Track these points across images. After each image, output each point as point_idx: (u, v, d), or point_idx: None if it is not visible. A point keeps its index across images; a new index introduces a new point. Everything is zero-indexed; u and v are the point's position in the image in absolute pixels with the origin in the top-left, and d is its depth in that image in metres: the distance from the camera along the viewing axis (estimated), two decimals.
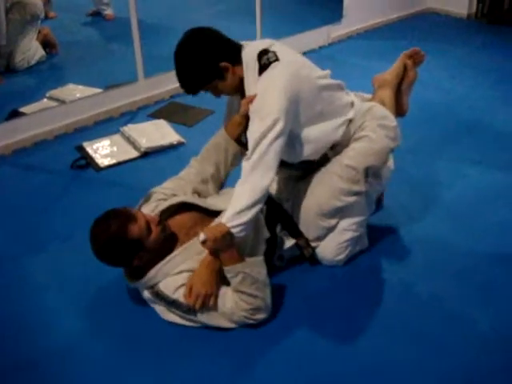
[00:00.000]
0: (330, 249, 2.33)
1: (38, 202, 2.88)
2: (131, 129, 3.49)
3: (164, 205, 2.21)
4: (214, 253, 1.99)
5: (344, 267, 2.37)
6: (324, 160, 2.29)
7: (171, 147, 3.38)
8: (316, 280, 2.32)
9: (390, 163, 2.42)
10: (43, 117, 3.51)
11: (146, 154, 3.30)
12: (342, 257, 2.35)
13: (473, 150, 3.33)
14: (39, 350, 2.02)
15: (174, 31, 4.83)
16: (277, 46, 2.11)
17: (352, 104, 2.27)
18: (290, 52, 2.15)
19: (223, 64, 2.04)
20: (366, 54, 4.91)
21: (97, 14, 4.69)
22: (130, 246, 1.98)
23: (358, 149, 2.23)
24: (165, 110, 3.87)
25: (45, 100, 3.69)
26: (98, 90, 3.81)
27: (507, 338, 2.04)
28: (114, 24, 4.62)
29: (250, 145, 2.00)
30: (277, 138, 1.96)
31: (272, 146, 1.96)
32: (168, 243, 2.10)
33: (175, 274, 2.04)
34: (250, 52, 2.08)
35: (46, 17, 4.32)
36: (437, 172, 3.08)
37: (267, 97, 2.00)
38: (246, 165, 2.00)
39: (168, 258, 2.05)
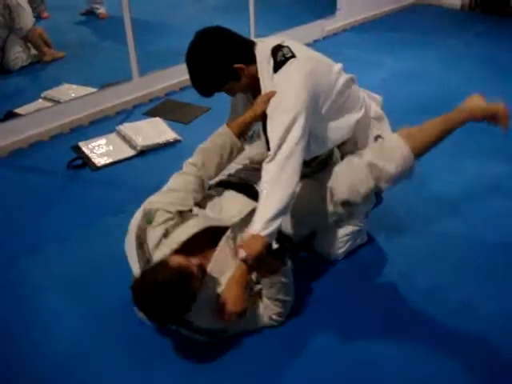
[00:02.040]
0: (330, 243, 2.33)
1: (35, 202, 2.88)
2: (127, 127, 3.48)
3: (182, 234, 1.94)
4: (251, 267, 1.88)
5: (344, 261, 2.38)
6: (328, 158, 2.26)
7: (168, 145, 3.37)
8: (316, 273, 2.33)
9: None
10: (39, 117, 3.50)
11: (143, 153, 3.30)
12: (341, 251, 2.35)
13: (470, 142, 3.32)
14: (40, 350, 2.02)
15: (167, 28, 4.87)
16: (289, 42, 2.07)
17: (363, 100, 2.23)
18: (303, 47, 2.12)
19: (237, 66, 2.00)
20: (361, 47, 4.91)
21: (90, 13, 4.68)
22: (190, 302, 1.81)
23: (343, 175, 2.15)
24: (160, 108, 3.86)
25: (40, 100, 3.68)
26: (93, 90, 3.80)
27: (510, 327, 2.05)
28: (107, 23, 4.61)
29: (273, 144, 1.90)
30: (301, 135, 1.90)
31: (298, 144, 1.89)
32: None
33: (207, 306, 1.91)
34: (263, 49, 2.04)
35: (40, 17, 4.31)
36: (433, 164, 3.07)
37: (287, 93, 1.94)
38: (271, 166, 1.90)
39: (201, 295, 1.86)
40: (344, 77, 2.13)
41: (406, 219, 2.64)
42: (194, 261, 1.83)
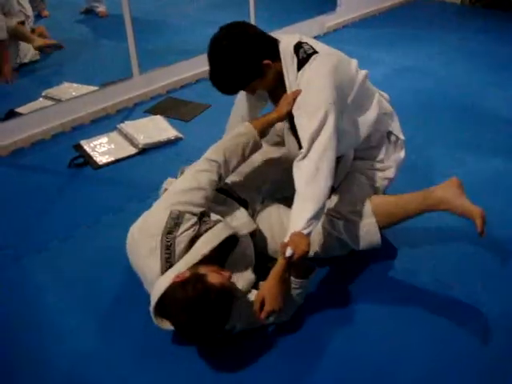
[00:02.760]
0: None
1: (37, 201, 2.88)
2: (128, 125, 3.48)
3: (208, 243, 1.89)
4: (292, 265, 1.87)
5: (347, 256, 2.37)
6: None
7: (169, 143, 3.37)
8: (319, 269, 2.32)
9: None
10: (40, 116, 3.50)
11: (144, 151, 3.29)
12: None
13: (469, 136, 3.33)
14: (43, 349, 2.02)
15: (167, 26, 4.87)
16: (307, 39, 2.07)
17: (377, 96, 2.22)
18: (320, 43, 2.11)
19: (266, 62, 1.97)
20: (362, 43, 4.90)
21: (90, 12, 4.69)
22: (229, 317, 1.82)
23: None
24: (161, 106, 3.86)
25: (41, 99, 3.68)
26: (94, 88, 3.79)
27: None
28: (107, 21, 4.62)
29: (306, 142, 1.89)
30: (334, 130, 1.89)
31: (331, 140, 1.88)
32: None
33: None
34: (286, 46, 2.02)
35: (40, 16, 4.31)
36: (434, 159, 3.08)
37: (314, 90, 1.93)
38: (306, 163, 1.88)
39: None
40: (361, 72, 2.13)
41: None
42: (226, 273, 1.81)
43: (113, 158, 3.22)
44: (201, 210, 1.94)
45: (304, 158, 1.90)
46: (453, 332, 2.02)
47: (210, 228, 1.93)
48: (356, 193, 2.20)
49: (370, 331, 2.04)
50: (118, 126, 3.50)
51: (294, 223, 1.85)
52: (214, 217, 2.01)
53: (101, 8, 4.63)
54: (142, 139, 3.32)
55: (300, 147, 1.93)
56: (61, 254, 2.49)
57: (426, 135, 3.34)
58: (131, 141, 3.35)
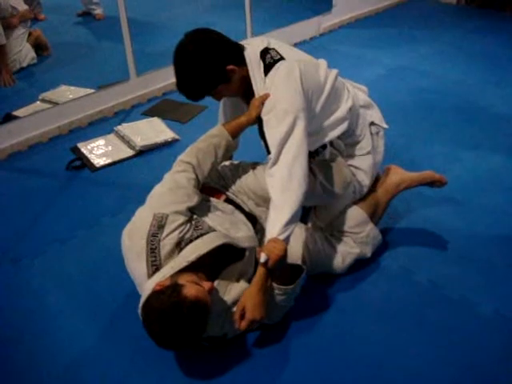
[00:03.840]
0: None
1: (35, 204, 2.88)
2: (125, 128, 3.49)
3: (195, 251, 1.88)
4: (270, 272, 1.86)
5: None
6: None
7: (166, 144, 3.38)
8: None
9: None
10: (37, 119, 3.50)
11: (142, 153, 3.30)
12: None
13: (467, 135, 3.33)
14: (42, 351, 2.03)
15: (163, 28, 4.87)
16: (275, 43, 2.06)
17: (348, 91, 2.22)
18: (288, 47, 2.12)
19: (230, 67, 1.97)
20: (358, 43, 4.91)
21: (87, 14, 4.67)
22: (205, 326, 1.81)
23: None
24: (158, 108, 3.87)
25: (38, 102, 3.67)
26: (91, 91, 3.79)
27: (510, 323, 2.05)
28: (104, 23, 4.60)
29: (274, 148, 1.88)
30: (304, 135, 1.89)
31: (302, 144, 1.88)
32: None
33: (218, 319, 1.92)
34: (252, 52, 2.02)
35: (36, 19, 4.31)
36: (432, 157, 3.09)
37: (281, 96, 1.93)
38: (277, 170, 1.88)
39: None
40: (331, 73, 2.13)
41: (405, 213, 2.65)
42: (207, 285, 1.79)
43: (110, 160, 3.23)
44: (186, 205, 1.96)
45: (274, 164, 1.88)
46: (448, 332, 2.03)
47: (202, 235, 1.94)
48: (348, 206, 2.29)
49: (365, 330, 2.05)
50: (115, 128, 3.51)
51: (269, 231, 1.85)
52: (213, 223, 2.02)
53: (97, 11, 4.61)
54: (140, 141, 3.33)
55: (268, 152, 1.92)
56: (60, 257, 2.49)
57: (423, 134, 3.34)
58: (128, 143, 3.36)
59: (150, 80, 4.01)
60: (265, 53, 2.01)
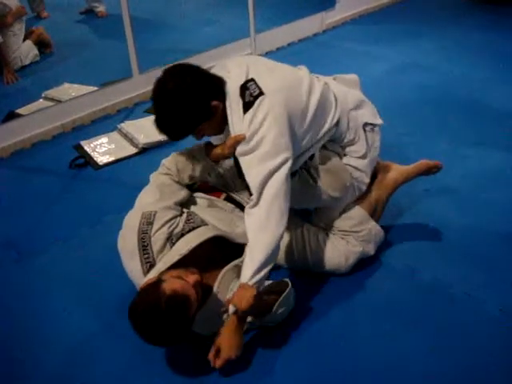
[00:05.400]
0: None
1: (38, 203, 2.88)
2: (128, 125, 3.48)
3: (193, 240, 1.93)
4: (243, 317, 1.84)
5: None
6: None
7: (169, 142, 3.35)
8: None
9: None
10: (40, 117, 3.50)
11: (145, 150, 3.29)
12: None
13: (472, 131, 3.32)
14: (44, 350, 2.03)
15: (166, 25, 4.87)
16: (254, 68, 1.95)
17: (335, 100, 2.13)
18: (267, 70, 2.00)
19: (214, 103, 1.88)
20: (362, 40, 4.89)
21: (89, 12, 4.67)
22: (188, 325, 1.81)
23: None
24: None
25: (41, 100, 3.68)
26: (94, 88, 3.79)
27: None
28: (106, 21, 4.60)
29: (255, 189, 1.84)
30: (285, 177, 1.84)
31: (282, 186, 1.83)
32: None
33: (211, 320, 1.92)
34: (232, 87, 1.91)
35: (39, 16, 4.31)
36: (436, 154, 3.05)
37: (262, 136, 1.84)
38: (256, 211, 1.84)
39: (204, 308, 1.88)
40: (315, 88, 2.03)
41: (409, 210, 2.64)
42: (192, 278, 1.77)
43: (113, 158, 3.22)
44: (172, 200, 2.02)
45: (254, 205, 1.85)
46: (452, 330, 2.01)
47: (194, 228, 1.96)
48: (349, 205, 2.28)
49: (369, 329, 2.04)
50: (118, 125, 3.51)
51: (242, 274, 1.82)
52: (208, 218, 2.04)
53: (100, 8, 4.62)
54: (143, 139, 3.32)
55: (250, 193, 1.88)
56: (63, 255, 2.49)
57: (429, 130, 3.33)
58: (131, 141, 3.35)
59: (152, 77, 3.91)
60: (244, 88, 1.90)
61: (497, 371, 1.86)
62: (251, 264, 1.80)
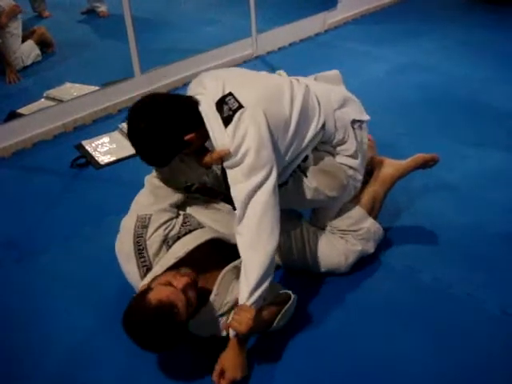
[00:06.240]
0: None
1: (39, 202, 2.88)
2: None
3: (189, 243, 1.93)
4: (245, 339, 1.84)
5: None
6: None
7: None
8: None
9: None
10: (41, 117, 3.51)
11: None
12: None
13: (472, 131, 3.31)
14: (46, 348, 2.03)
15: (167, 25, 4.87)
16: (230, 82, 1.90)
17: (318, 104, 2.08)
18: (246, 81, 1.98)
19: (188, 136, 1.83)
20: (363, 40, 4.89)
21: (91, 12, 4.69)
22: (178, 330, 1.78)
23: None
24: None
25: (42, 100, 3.69)
26: (95, 88, 3.80)
27: None
28: (108, 21, 4.61)
29: (238, 203, 1.80)
30: (272, 190, 1.80)
31: (269, 200, 1.79)
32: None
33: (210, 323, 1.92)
34: (207, 106, 1.86)
35: (41, 16, 4.32)
36: (437, 153, 3.06)
37: (247, 148, 1.79)
38: (247, 230, 1.80)
39: (203, 310, 1.88)
40: (297, 96, 1.99)
41: (409, 210, 2.64)
42: (181, 282, 1.75)
43: (115, 158, 3.23)
44: (167, 203, 2.02)
45: (241, 221, 1.81)
46: (453, 330, 2.02)
47: (191, 231, 1.97)
48: (346, 204, 2.27)
49: (369, 330, 2.04)
50: (119, 125, 3.51)
51: (240, 295, 1.81)
52: (205, 220, 2.04)
53: (102, 8, 4.63)
54: None
55: (234, 208, 1.86)
56: (64, 255, 2.50)
57: (428, 130, 3.33)
58: None
59: (154, 77, 4.00)
60: (221, 103, 1.84)
61: (497, 371, 1.86)
62: (247, 284, 1.77)
